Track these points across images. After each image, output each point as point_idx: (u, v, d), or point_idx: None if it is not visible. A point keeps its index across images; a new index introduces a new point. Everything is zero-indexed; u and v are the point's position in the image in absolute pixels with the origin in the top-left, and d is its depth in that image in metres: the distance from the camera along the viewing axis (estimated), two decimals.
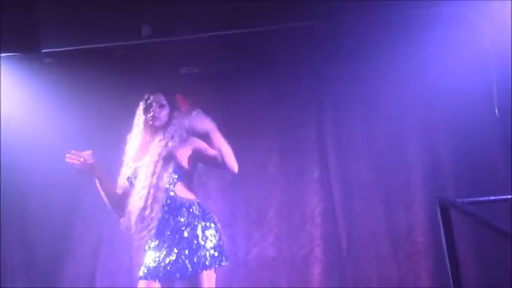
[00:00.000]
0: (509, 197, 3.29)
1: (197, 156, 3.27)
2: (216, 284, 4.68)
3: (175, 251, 3.19)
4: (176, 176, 3.23)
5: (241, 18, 4.46)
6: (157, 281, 3.21)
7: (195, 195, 3.33)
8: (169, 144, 3.24)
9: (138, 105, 3.42)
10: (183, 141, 3.27)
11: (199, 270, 3.17)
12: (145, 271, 3.23)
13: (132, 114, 3.40)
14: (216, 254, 3.23)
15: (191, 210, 3.25)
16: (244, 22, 4.50)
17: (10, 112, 4.75)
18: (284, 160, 4.92)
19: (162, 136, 3.28)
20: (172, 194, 3.22)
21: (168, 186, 3.20)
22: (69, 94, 4.78)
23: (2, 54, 4.47)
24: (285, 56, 4.82)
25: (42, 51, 4.57)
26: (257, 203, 4.89)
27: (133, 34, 4.57)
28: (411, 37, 4.51)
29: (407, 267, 4.66)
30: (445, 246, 2.53)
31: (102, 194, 3.31)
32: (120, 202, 3.30)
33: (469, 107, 4.55)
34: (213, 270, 3.23)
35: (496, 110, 4.46)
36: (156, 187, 3.17)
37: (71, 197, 4.89)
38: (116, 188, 3.34)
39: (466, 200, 2.65)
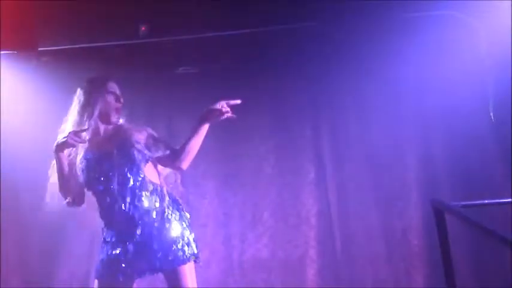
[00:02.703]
0: (504, 200, 3.29)
1: (150, 142, 3.03)
2: (210, 285, 4.67)
3: (142, 242, 2.88)
4: (143, 158, 2.98)
5: (238, 19, 4.47)
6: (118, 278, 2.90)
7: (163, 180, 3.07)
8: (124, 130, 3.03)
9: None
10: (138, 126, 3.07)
11: (173, 266, 2.87)
12: (101, 268, 2.94)
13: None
14: (190, 247, 2.94)
15: (160, 195, 2.97)
16: (241, 23, 4.51)
17: (8, 110, 4.74)
18: (280, 161, 4.93)
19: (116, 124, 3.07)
20: (140, 177, 2.95)
21: (135, 165, 2.94)
22: (66, 92, 4.75)
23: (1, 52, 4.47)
24: (281, 57, 4.82)
25: (39, 49, 4.57)
26: (252, 203, 4.89)
27: (131, 33, 4.57)
28: (408, 39, 4.52)
29: (402, 269, 4.67)
30: (439, 249, 2.54)
31: (61, 172, 3.00)
32: (72, 186, 3.04)
33: (466, 110, 4.56)
34: (191, 264, 2.93)
35: (492, 114, 4.47)
36: (122, 167, 2.93)
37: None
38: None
39: (460, 203, 2.65)
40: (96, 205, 3.09)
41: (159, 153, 3.09)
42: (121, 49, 4.74)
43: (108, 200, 2.97)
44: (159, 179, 3.06)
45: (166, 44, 4.67)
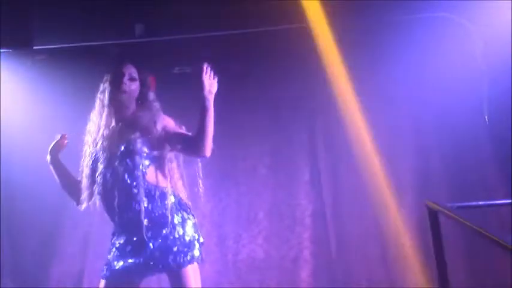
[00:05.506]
0: (497, 202, 3.31)
1: (167, 136, 2.98)
2: (204, 285, 4.66)
3: (148, 245, 2.88)
4: (147, 162, 2.95)
5: (234, 19, 4.47)
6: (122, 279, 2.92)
7: (169, 183, 3.02)
8: (139, 126, 2.96)
9: None
10: (153, 121, 2.98)
11: (174, 268, 2.87)
12: (109, 268, 2.94)
13: None
14: (193, 249, 2.92)
15: (166, 199, 2.94)
16: (237, 23, 4.51)
17: (5, 109, 4.74)
18: (275, 162, 4.93)
19: (130, 117, 3.02)
20: (142, 178, 2.92)
21: (138, 170, 2.91)
22: (61, 92, 4.76)
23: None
24: (277, 58, 4.82)
25: (34, 48, 4.56)
26: (247, 204, 4.89)
27: (127, 33, 4.57)
28: (403, 41, 4.53)
29: (396, 270, 4.67)
30: (433, 250, 2.55)
31: (57, 178, 3.11)
32: (78, 188, 3.04)
33: (461, 111, 4.57)
34: (195, 266, 2.93)
35: (486, 115, 4.49)
36: (124, 171, 2.91)
37: (59, 196, 4.85)
38: (71, 175, 3.11)
39: (454, 204, 2.66)
40: (90, 205, 3.10)
41: (179, 147, 3.01)
42: (117, 48, 4.74)
43: (107, 201, 2.98)
44: (167, 182, 3.01)
45: (162, 43, 4.67)
